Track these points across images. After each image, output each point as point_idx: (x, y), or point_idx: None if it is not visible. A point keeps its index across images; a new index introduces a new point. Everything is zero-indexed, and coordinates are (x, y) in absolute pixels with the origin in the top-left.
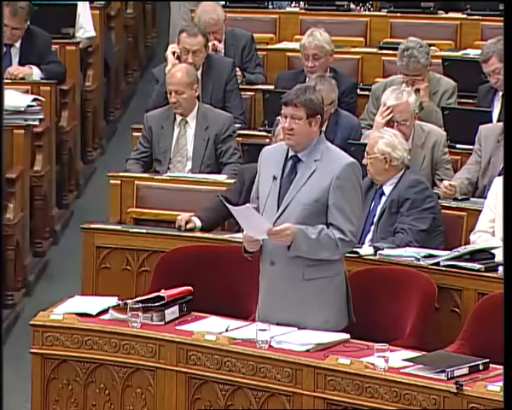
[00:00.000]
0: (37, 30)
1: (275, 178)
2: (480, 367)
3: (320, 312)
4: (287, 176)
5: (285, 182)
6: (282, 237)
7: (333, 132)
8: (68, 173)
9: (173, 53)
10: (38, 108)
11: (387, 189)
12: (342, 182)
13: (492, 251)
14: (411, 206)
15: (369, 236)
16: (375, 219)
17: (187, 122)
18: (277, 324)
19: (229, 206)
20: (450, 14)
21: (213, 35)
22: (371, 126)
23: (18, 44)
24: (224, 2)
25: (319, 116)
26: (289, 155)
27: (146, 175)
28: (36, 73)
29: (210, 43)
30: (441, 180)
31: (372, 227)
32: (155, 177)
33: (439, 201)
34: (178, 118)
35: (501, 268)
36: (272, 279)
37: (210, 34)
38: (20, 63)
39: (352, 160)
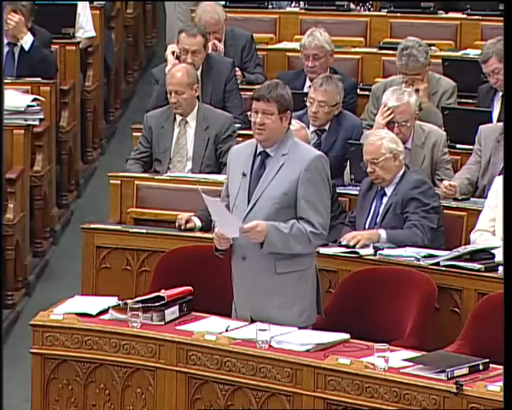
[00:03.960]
0: (38, 29)
1: (244, 174)
2: (480, 367)
3: (292, 306)
4: (256, 171)
5: (254, 177)
6: (253, 234)
7: (335, 133)
8: (68, 173)
9: (173, 53)
10: (38, 108)
11: (389, 189)
12: (311, 174)
13: (492, 251)
14: (418, 205)
15: None
16: (379, 220)
17: (187, 122)
18: (251, 319)
19: (204, 196)
20: (450, 14)
21: (214, 35)
22: (371, 126)
23: (20, 43)
24: (223, 2)
25: (289, 112)
26: (258, 151)
27: (146, 175)
28: (26, 40)
29: (210, 43)
30: (441, 180)
31: (375, 228)
32: (155, 177)
33: (440, 201)
34: (178, 118)
35: (501, 268)
36: (244, 274)
37: (210, 34)
38: (19, 62)
39: (320, 153)
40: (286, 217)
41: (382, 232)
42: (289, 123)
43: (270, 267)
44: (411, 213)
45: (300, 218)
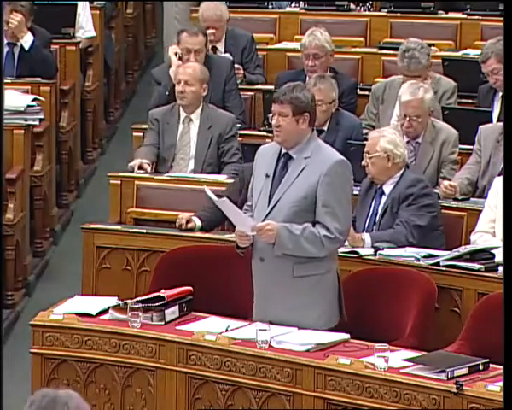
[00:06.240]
0: (38, 29)
1: (267, 175)
2: (480, 367)
3: (310, 309)
4: (278, 173)
5: (276, 179)
6: (264, 232)
7: (334, 132)
8: (68, 173)
9: (175, 54)
10: (38, 108)
11: (387, 188)
12: (331, 179)
13: (492, 251)
14: (410, 202)
15: None
16: (377, 219)
17: (191, 120)
18: (269, 321)
19: (213, 197)
20: (450, 14)
21: (213, 30)
22: (371, 126)
23: (20, 43)
24: (224, 2)
25: (307, 114)
26: (282, 152)
27: (146, 175)
28: (27, 39)
29: (208, 31)
30: (444, 178)
31: (374, 227)
32: (155, 177)
33: (439, 201)
34: (183, 115)
35: (501, 268)
36: (262, 276)
37: (209, 29)
38: (19, 62)
39: (342, 157)
40: (305, 220)
41: (367, 237)
42: (310, 125)
43: (288, 270)
44: (401, 211)
45: (317, 222)
